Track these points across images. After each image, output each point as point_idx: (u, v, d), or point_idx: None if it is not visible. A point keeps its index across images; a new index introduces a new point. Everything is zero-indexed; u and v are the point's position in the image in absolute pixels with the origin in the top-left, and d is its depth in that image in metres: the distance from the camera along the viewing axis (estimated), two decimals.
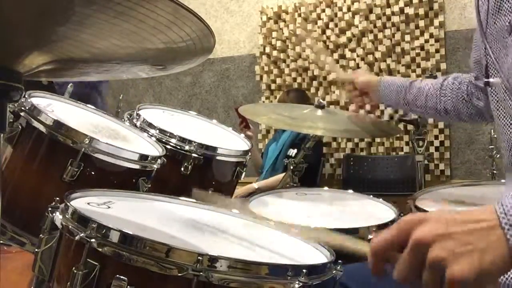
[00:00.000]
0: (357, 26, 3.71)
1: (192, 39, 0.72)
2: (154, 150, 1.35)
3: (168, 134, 1.42)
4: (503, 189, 1.06)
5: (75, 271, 0.74)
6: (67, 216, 0.82)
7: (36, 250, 0.85)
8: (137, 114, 1.50)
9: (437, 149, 3.47)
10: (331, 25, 3.82)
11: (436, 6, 3.50)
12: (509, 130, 0.92)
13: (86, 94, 3.12)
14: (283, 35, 3.98)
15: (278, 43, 3.98)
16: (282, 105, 2.70)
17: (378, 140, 3.65)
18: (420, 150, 2.03)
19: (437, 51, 3.51)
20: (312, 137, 1.96)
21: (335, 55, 3.79)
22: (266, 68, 4.06)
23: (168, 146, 1.39)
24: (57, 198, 0.89)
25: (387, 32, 3.62)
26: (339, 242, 0.73)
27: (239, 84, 4.25)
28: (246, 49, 4.26)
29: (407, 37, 3.57)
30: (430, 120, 3.14)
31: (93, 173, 1.15)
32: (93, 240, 0.74)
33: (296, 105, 2.33)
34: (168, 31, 0.68)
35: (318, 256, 0.93)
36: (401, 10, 3.58)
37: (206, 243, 0.91)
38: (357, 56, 3.72)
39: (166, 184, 1.37)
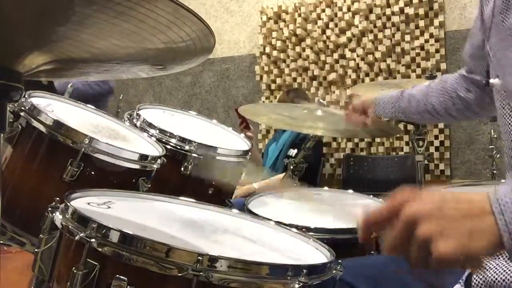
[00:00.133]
0: (357, 26, 3.71)
1: (192, 39, 0.72)
2: (154, 150, 1.35)
3: (168, 134, 1.42)
4: None
5: (75, 271, 0.74)
6: (67, 216, 0.82)
7: (36, 250, 0.85)
8: (137, 114, 1.50)
9: (437, 149, 3.47)
10: (331, 25, 3.82)
11: (436, 6, 3.50)
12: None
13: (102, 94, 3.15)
14: (283, 35, 3.98)
15: (278, 43, 3.98)
16: (282, 105, 2.70)
17: (378, 140, 3.65)
18: (420, 150, 2.03)
19: (437, 51, 3.51)
20: (312, 137, 1.96)
21: (335, 55, 3.79)
22: (266, 68, 4.06)
23: (168, 146, 1.39)
24: (57, 198, 0.89)
25: (387, 32, 3.62)
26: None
27: (239, 84, 4.25)
28: (246, 49, 4.27)
29: (407, 37, 3.57)
30: None
31: (93, 173, 1.15)
32: (93, 240, 0.74)
33: (296, 105, 2.32)
34: (168, 31, 0.68)
35: (318, 256, 0.93)
36: (401, 10, 3.58)
37: (206, 243, 0.90)
38: (357, 56, 3.72)
39: (166, 184, 1.37)
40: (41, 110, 1.16)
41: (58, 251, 0.82)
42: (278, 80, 4.01)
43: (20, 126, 1.15)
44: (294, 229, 1.09)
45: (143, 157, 1.23)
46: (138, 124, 1.47)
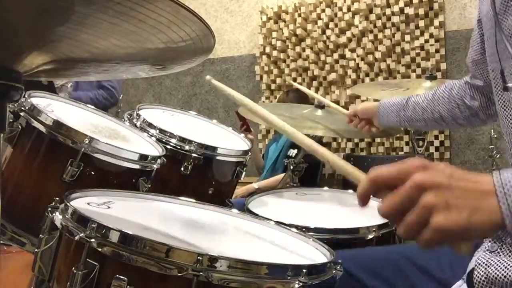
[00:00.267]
0: (357, 26, 3.71)
1: (192, 39, 0.72)
2: (154, 150, 1.35)
3: (168, 134, 1.42)
4: None
5: (75, 271, 0.74)
6: (67, 216, 0.82)
7: (36, 250, 0.85)
8: (137, 114, 1.50)
9: (437, 149, 3.47)
10: (331, 25, 3.82)
11: (436, 6, 3.50)
12: None
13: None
14: (283, 35, 3.98)
15: (278, 43, 3.98)
16: (282, 105, 2.70)
17: (378, 140, 3.65)
18: (420, 150, 2.03)
19: (437, 51, 3.51)
20: (312, 137, 1.96)
21: (335, 55, 3.79)
22: (266, 68, 4.06)
23: (168, 146, 1.39)
24: (57, 198, 0.89)
25: (387, 32, 3.62)
26: (336, 164, 0.72)
27: (239, 84, 4.25)
28: (246, 49, 4.27)
29: (407, 37, 3.57)
30: None
31: (93, 173, 1.15)
32: (93, 240, 0.74)
33: (296, 105, 2.33)
34: (168, 31, 0.68)
35: (318, 256, 0.93)
36: (401, 10, 3.58)
37: (206, 243, 0.90)
38: (357, 56, 3.72)
39: (166, 184, 1.37)
40: (41, 110, 1.16)
41: (58, 251, 0.82)
42: (278, 80, 4.01)
43: (20, 126, 1.15)
44: (294, 229, 1.09)
45: (143, 157, 1.23)
46: (138, 124, 1.47)
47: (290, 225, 1.14)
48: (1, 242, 1.20)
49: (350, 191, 1.72)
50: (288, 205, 1.56)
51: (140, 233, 0.75)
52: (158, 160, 1.27)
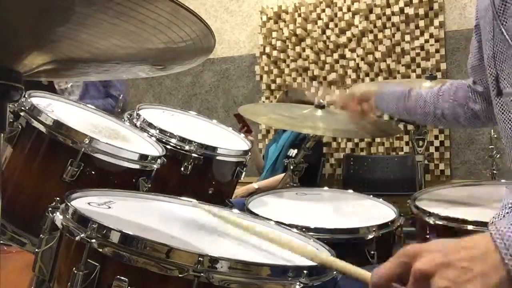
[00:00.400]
0: (357, 26, 3.71)
1: (192, 39, 0.72)
2: (154, 150, 1.35)
3: (168, 134, 1.42)
4: (504, 189, 1.06)
5: (75, 271, 0.74)
6: (67, 216, 0.82)
7: (36, 250, 0.85)
8: (137, 114, 1.50)
9: (437, 149, 3.47)
10: (331, 25, 3.82)
11: (436, 6, 3.50)
12: None
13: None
14: (283, 35, 3.98)
15: (278, 43, 3.98)
16: (282, 105, 2.70)
17: (378, 140, 3.65)
18: (420, 150, 2.03)
19: (437, 51, 3.51)
20: (312, 137, 1.96)
21: (335, 55, 3.79)
22: (266, 68, 4.06)
23: (168, 146, 1.39)
24: (57, 198, 0.89)
25: (387, 32, 3.62)
26: (341, 266, 0.73)
27: (239, 84, 4.25)
28: (246, 49, 4.26)
29: (407, 37, 3.56)
30: None
31: (93, 173, 1.15)
32: (93, 240, 0.74)
33: (296, 105, 2.33)
34: (168, 31, 0.68)
35: None
36: (401, 10, 3.58)
37: (206, 243, 0.90)
38: (357, 56, 3.72)
39: (166, 184, 1.37)
40: (41, 110, 1.16)
41: (59, 251, 0.82)
42: (278, 80, 4.01)
43: (20, 126, 1.15)
44: (294, 229, 1.09)
45: (143, 157, 1.23)
46: (138, 124, 1.47)
47: (290, 225, 1.14)
48: (1, 242, 1.20)
49: (350, 191, 1.72)
50: (288, 205, 1.56)
51: (140, 234, 0.75)
52: (158, 160, 1.27)
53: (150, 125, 1.45)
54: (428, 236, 1.21)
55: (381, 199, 1.56)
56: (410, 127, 2.63)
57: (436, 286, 0.57)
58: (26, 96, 1.18)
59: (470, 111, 1.24)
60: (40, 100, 1.27)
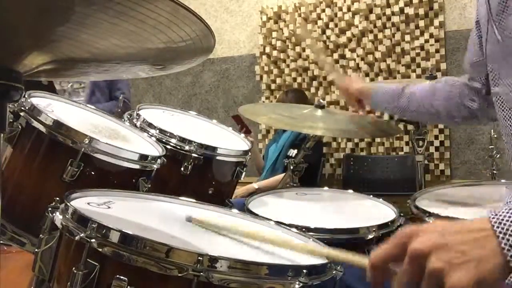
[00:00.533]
0: (357, 26, 3.71)
1: (192, 39, 0.72)
2: (154, 150, 1.35)
3: (168, 134, 1.42)
4: (504, 189, 1.06)
5: (75, 271, 0.74)
6: (67, 216, 0.82)
7: (36, 250, 0.85)
8: (137, 114, 1.50)
9: (437, 149, 3.47)
10: (331, 25, 3.82)
11: (436, 6, 3.50)
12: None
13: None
14: (283, 35, 3.98)
15: (278, 43, 3.98)
16: (282, 105, 2.70)
17: (378, 140, 3.65)
18: (420, 150, 2.03)
19: (437, 51, 3.51)
20: (312, 137, 1.96)
21: (335, 55, 3.79)
22: (266, 68, 4.06)
23: (168, 146, 1.39)
24: (57, 198, 0.89)
25: (387, 32, 3.62)
26: (337, 255, 0.73)
27: (239, 84, 4.25)
28: (246, 49, 4.26)
29: (407, 37, 3.57)
30: None
31: (93, 173, 1.15)
32: (93, 240, 0.74)
33: (296, 105, 2.33)
34: (168, 31, 0.68)
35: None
36: (401, 10, 3.58)
37: (206, 243, 0.90)
38: (357, 56, 3.72)
39: (166, 184, 1.37)
40: (41, 110, 1.16)
41: (58, 251, 0.82)
42: (278, 80, 4.01)
43: (20, 126, 1.15)
44: (294, 229, 1.09)
45: (143, 157, 1.23)
46: (138, 124, 1.47)
47: (290, 225, 1.14)
48: (1, 242, 1.20)
49: (350, 191, 1.72)
50: (288, 205, 1.56)
51: (140, 233, 0.75)
52: (158, 160, 1.27)
53: (150, 125, 1.45)
54: None
55: (381, 199, 1.56)
56: (410, 127, 2.63)
57: (431, 266, 0.57)
58: (26, 96, 1.18)
59: (466, 109, 1.24)
60: (40, 100, 1.27)
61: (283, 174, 2.36)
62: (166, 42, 0.71)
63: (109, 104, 3.19)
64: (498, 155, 2.80)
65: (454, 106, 1.26)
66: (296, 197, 1.63)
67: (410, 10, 3.53)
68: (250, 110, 2.07)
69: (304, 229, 1.16)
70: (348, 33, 3.74)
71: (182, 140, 1.41)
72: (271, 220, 1.14)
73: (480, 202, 1.33)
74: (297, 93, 3.43)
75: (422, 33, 3.54)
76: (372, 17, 3.66)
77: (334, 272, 0.83)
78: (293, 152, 2.83)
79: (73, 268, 0.75)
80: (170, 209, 1.09)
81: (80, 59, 0.78)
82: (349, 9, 3.74)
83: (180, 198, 1.14)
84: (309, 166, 2.07)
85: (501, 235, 0.57)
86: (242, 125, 2.93)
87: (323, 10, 3.84)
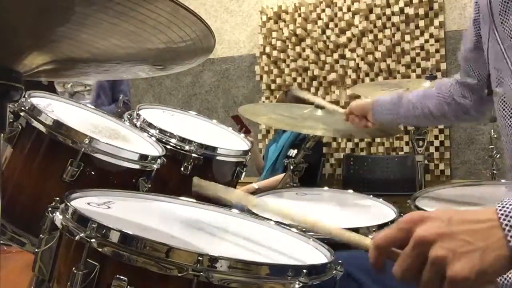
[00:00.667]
0: (357, 26, 3.71)
1: (192, 39, 0.72)
2: (154, 150, 1.35)
3: (168, 134, 1.42)
4: (503, 189, 1.06)
5: (75, 271, 0.74)
6: (67, 216, 0.82)
7: (36, 250, 0.85)
8: (137, 114, 1.50)
9: (437, 149, 3.47)
10: (331, 25, 3.82)
11: (436, 6, 3.50)
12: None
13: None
14: (283, 35, 3.98)
15: (278, 43, 3.98)
16: (282, 105, 2.70)
17: (378, 140, 3.65)
18: (420, 150, 2.04)
19: (437, 51, 3.51)
20: (312, 137, 1.96)
21: (335, 55, 3.79)
22: (266, 68, 4.06)
23: (168, 146, 1.39)
24: (57, 198, 0.89)
25: (387, 32, 3.62)
26: (340, 234, 0.73)
27: (239, 84, 4.25)
28: (246, 49, 4.27)
29: (407, 37, 3.57)
30: None
31: (93, 173, 1.15)
32: (93, 240, 0.74)
33: (296, 105, 2.33)
34: (168, 31, 0.68)
35: (318, 256, 0.93)
36: (401, 10, 3.58)
37: (206, 243, 0.90)
38: (357, 56, 3.72)
39: (166, 184, 1.37)
40: (41, 110, 1.16)
41: (58, 251, 0.82)
42: (278, 80, 4.01)
43: (20, 126, 1.15)
44: (294, 229, 1.09)
45: (143, 157, 1.23)
46: (138, 124, 1.47)
47: (290, 225, 1.14)
48: (1, 242, 1.20)
49: (350, 191, 1.72)
50: (288, 205, 1.56)
51: (140, 233, 0.75)
52: (158, 160, 1.27)
53: (150, 125, 1.45)
54: None
55: (381, 199, 1.55)
56: (410, 127, 2.63)
57: (434, 254, 0.58)
58: (26, 96, 1.18)
59: (458, 106, 1.25)
60: (40, 100, 1.27)
61: (283, 174, 2.37)
62: (166, 43, 0.71)
63: (112, 107, 3.20)
64: (498, 155, 2.80)
65: (444, 103, 1.28)
66: (296, 197, 1.63)
67: (410, 10, 3.53)
68: (250, 110, 2.07)
69: (304, 229, 1.15)
70: (348, 33, 3.75)
71: (182, 140, 1.41)
72: (271, 220, 1.14)
73: (480, 202, 1.33)
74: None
75: (422, 33, 3.54)
76: (372, 17, 3.66)
77: (334, 272, 0.83)
78: (293, 152, 2.84)
79: (73, 268, 0.75)
80: (170, 209, 1.09)
81: (80, 59, 0.78)
82: (349, 9, 3.74)
83: (180, 198, 1.14)
84: (309, 166, 2.07)
85: (507, 228, 0.57)
86: (242, 125, 2.94)
87: (323, 10, 3.85)
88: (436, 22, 3.51)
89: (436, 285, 0.58)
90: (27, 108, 1.15)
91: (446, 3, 3.55)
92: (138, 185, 1.23)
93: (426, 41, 3.52)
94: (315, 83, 3.89)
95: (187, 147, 1.39)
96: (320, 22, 3.85)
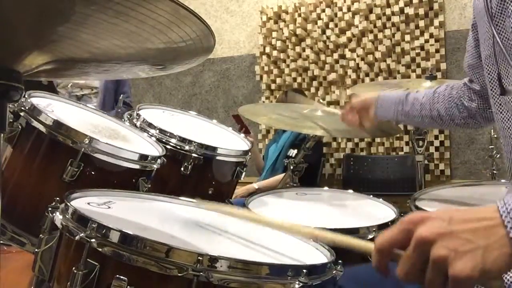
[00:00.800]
0: (357, 26, 3.71)
1: (192, 39, 0.72)
2: (154, 150, 1.35)
3: (168, 134, 1.42)
4: (503, 189, 1.06)
5: (75, 271, 0.74)
6: (67, 216, 0.82)
7: (36, 250, 0.85)
8: (137, 114, 1.50)
9: (437, 149, 3.47)
10: (331, 25, 3.82)
11: (436, 6, 3.50)
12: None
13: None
14: (283, 35, 3.98)
15: (278, 43, 3.98)
16: (282, 105, 2.69)
17: (378, 140, 3.65)
18: (420, 150, 2.03)
19: (437, 51, 3.51)
20: (312, 137, 1.96)
21: (335, 55, 3.79)
22: (266, 68, 4.06)
23: (168, 146, 1.39)
24: (57, 198, 0.89)
25: (387, 32, 3.62)
26: (341, 241, 0.73)
27: (239, 84, 4.25)
28: (246, 49, 4.26)
29: (407, 37, 3.57)
30: None
31: (93, 173, 1.15)
32: (93, 240, 0.74)
33: (296, 105, 2.33)
34: (168, 31, 0.68)
35: (318, 256, 0.93)
36: (401, 10, 3.58)
37: (206, 243, 0.90)
38: (357, 56, 3.72)
39: (166, 184, 1.37)
40: (41, 110, 1.16)
41: (58, 251, 0.82)
42: (278, 80, 4.01)
43: (20, 126, 1.15)
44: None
45: (143, 157, 1.23)
46: (138, 124, 1.47)
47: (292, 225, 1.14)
48: (1, 242, 1.20)
49: (350, 191, 1.72)
50: (288, 205, 1.56)
51: (140, 233, 0.75)
52: (158, 160, 1.27)
53: (150, 125, 1.45)
54: None
55: (381, 199, 1.56)
56: (410, 127, 2.63)
57: (436, 254, 0.57)
58: (26, 96, 1.18)
59: (466, 110, 1.25)
60: (40, 100, 1.27)
61: (283, 174, 2.37)
62: (166, 42, 0.71)
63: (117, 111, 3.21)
64: (498, 155, 2.80)
65: (454, 106, 1.26)
66: (296, 197, 1.63)
67: (410, 10, 3.53)
68: (250, 110, 2.07)
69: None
70: (348, 33, 3.74)
71: (182, 140, 1.41)
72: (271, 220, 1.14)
73: (480, 202, 1.33)
74: (297, 93, 3.43)
75: (422, 33, 3.54)
76: (372, 17, 3.66)
77: (334, 272, 0.83)
78: (293, 152, 2.84)
79: (73, 268, 0.75)
80: (170, 209, 1.09)
81: (80, 59, 0.78)
82: (349, 9, 3.74)
83: (180, 198, 1.14)
84: (309, 166, 2.07)
85: (509, 225, 0.57)
86: (242, 125, 2.94)
87: (323, 10, 3.84)
88: (436, 22, 3.50)
89: (440, 285, 0.58)
90: (27, 108, 1.15)
91: (446, 3, 3.55)
92: (138, 185, 1.23)
93: (426, 41, 3.52)
94: (315, 83, 3.89)
95: (187, 147, 1.39)
96: (320, 22, 3.85)
